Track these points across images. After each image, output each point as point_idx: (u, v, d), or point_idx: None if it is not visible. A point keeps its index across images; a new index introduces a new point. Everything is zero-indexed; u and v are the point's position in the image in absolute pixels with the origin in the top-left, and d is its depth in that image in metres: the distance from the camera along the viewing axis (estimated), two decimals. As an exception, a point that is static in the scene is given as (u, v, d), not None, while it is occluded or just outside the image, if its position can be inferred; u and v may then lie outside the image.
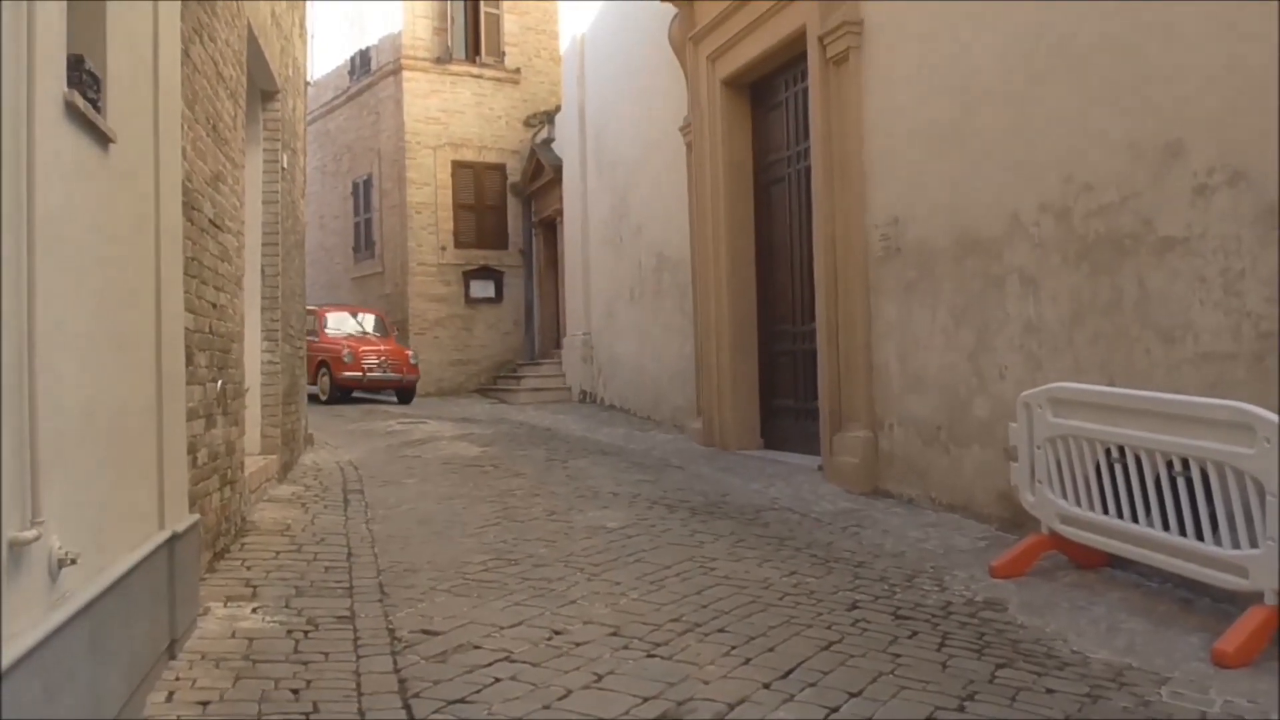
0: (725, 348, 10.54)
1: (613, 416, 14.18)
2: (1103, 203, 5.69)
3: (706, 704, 3.56)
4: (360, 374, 16.70)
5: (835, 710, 3.54)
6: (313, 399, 16.19)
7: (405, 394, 17.58)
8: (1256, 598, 4.19)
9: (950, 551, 6.00)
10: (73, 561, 2.65)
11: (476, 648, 4.11)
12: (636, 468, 9.24)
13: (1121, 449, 4.89)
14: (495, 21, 21.40)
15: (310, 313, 17.16)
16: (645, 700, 3.57)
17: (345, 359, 16.64)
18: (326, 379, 16.98)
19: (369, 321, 18.64)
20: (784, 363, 10.15)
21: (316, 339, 16.66)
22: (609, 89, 15.17)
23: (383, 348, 17.22)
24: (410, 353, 17.71)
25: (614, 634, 4.32)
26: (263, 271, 7.89)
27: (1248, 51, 4.84)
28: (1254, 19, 4.81)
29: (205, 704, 3.46)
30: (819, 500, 7.59)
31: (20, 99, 2.41)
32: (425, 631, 4.33)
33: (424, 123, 20.47)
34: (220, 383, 5.43)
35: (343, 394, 17.15)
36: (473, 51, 21.21)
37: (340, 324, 18.05)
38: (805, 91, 9.08)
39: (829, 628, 4.48)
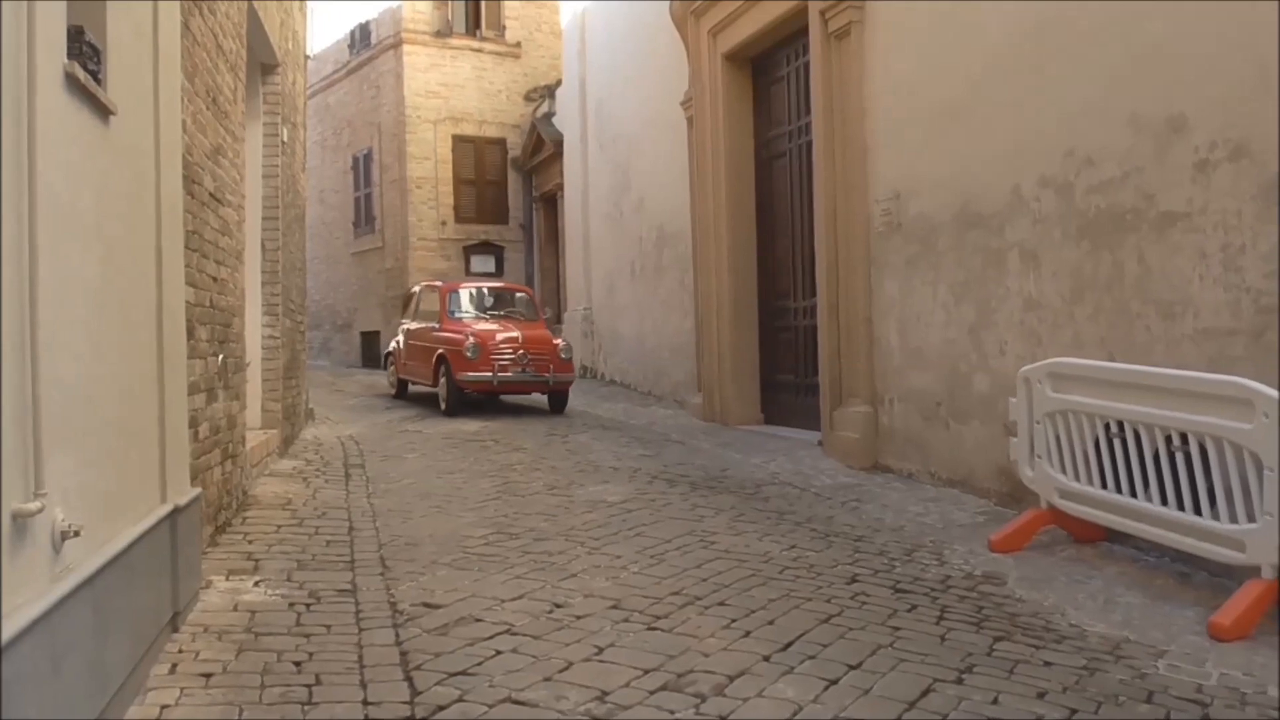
0: (726, 323, 10.54)
1: (613, 391, 14.19)
2: (1104, 178, 5.67)
3: (706, 676, 3.58)
4: (489, 374, 11.53)
5: (835, 682, 3.56)
6: (429, 401, 12.72)
7: (556, 399, 12.13)
8: (1253, 572, 4.21)
9: (949, 526, 6.03)
10: (76, 534, 2.66)
11: (478, 620, 4.13)
12: (637, 442, 9.26)
13: (1120, 424, 4.90)
14: (496, -5, 21.28)
15: (431, 289, 13.74)
16: (646, 672, 3.59)
17: (468, 353, 11.53)
18: (446, 381, 11.95)
19: (511, 300, 13.76)
20: (784, 338, 10.15)
21: (437, 326, 12.64)
22: (610, 63, 15.10)
23: (520, 336, 11.98)
24: (560, 342, 12.25)
25: (614, 607, 4.34)
26: (263, 246, 7.88)
27: (1250, 26, 4.81)
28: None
29: (208, 676, 3.48)
30: (819, 475, 7.62)
31: (21, 70, 2.40)
32: (426, 604, 4.35)
33: (424, 97, 20.38)
34: (221, 357, 5.43)
35: (470, 399, 12.02)
36: (473, 25, 21.09)
37: (471, 304, 13.29)
38: (807, 66, 9.04)
39: (828, 601, 4.51)
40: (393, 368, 14.29)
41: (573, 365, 12.35)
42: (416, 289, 14.43)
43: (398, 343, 14.01)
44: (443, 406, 11.90)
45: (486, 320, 12.75)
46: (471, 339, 11.65)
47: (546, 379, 11.82)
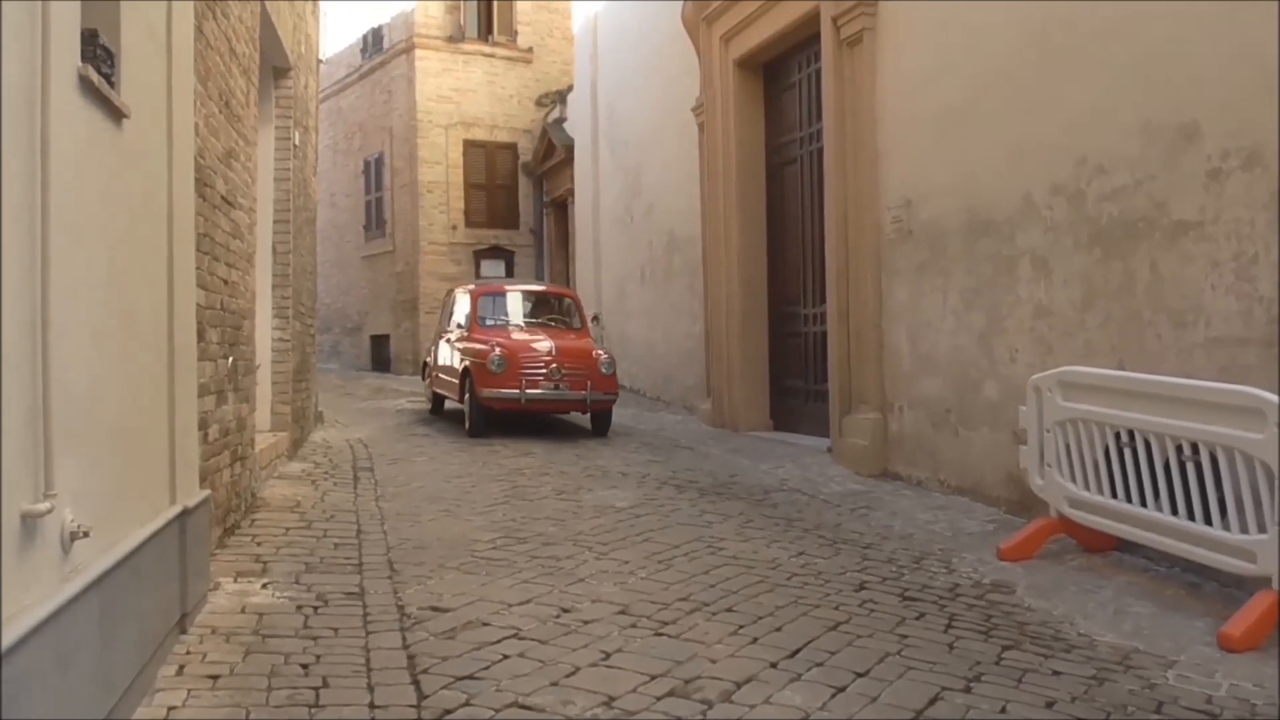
0: (735, 329, 10.54)
1: (622, 396, 14.09)
2: (1116, 185, 5.66)
3: (713, 682, 3.57)
4: (515, 391, 9.92)
5: (842, 690, 3.55)
6: (454, 419, 11.44)
7: (598, 420, 10.60)
8: (1264, 582, 4.19)
9: (958, 534, 6.01)
10: (85, 535, 2.66)
11: (485, 625, 4.13)
12: (645, 448, 9.26)
13: (1131, 433, 4.88)
14: (508, 0, 21.32)
15: (464, 294, 12.00)
16: (653, 678, 3.59)
17: (492, 367, 9.99)
18: (470, 397, 10.30)
19: (554, 306, 12.11)
20: (794, 344, 10.14)
21: (466, 334, 11.08)
22: (622, 68, 15.11)
23: (554, 347, 10.36)
24: (602, 354, 10.61)
25: (622, 612, 4.34)
26: (274, 249, 7.90)
27: (1261, 32, 4.79)
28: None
29: (215, 678, 3.49)
30: (828, 482, 7.60)
31: (35, 72, 2.41)
32: (434, 608, 4.35)
33: (436, 101, 20.41)
34: (231, 359, 5.44)
35: (497, 418, 10.31)
36: (485, 30, 21.13)
37: (505, 311, 11.61)
38: (818, 73, 9.05)
39: (836, 608, 4.50)
40: (428, 380, 12.74)
41: (615, 380, 10.69)
42: (458, 292, 12.51)
43: (432, 353, 12.64)
44: (466, 426, 10.34)
45: (521, 329, 11.21)
46: (497, 350, 10.11)
47: (583, 397, 10.15)
